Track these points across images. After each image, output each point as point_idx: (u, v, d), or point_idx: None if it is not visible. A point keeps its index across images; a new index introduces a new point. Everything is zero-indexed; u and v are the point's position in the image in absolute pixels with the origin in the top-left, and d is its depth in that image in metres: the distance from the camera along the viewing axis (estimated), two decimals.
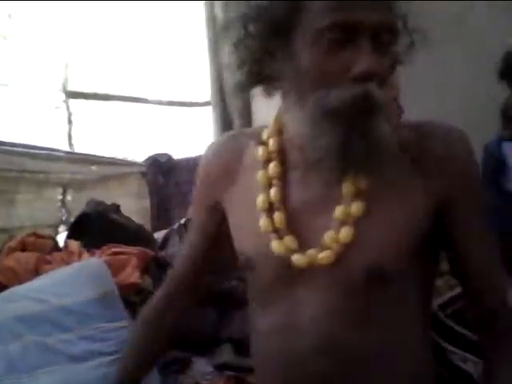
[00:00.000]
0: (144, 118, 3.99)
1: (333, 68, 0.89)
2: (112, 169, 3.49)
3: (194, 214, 1.28)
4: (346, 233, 0.97)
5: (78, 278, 1.77)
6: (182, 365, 1.79)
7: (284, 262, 1.00)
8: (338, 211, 0.98)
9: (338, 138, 0.89)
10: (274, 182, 1.03)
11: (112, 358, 1.61)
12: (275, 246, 1.00)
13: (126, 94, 3.70)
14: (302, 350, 1.01)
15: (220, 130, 3.53)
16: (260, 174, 1.05)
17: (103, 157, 3.49)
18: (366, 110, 0.89)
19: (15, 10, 2.92)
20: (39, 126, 3.52)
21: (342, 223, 0.98)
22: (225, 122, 3.56)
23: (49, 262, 2.06)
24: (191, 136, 4.12)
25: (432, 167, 0.98)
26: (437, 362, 1.52)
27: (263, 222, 1.02)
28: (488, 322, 1.04)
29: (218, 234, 1.17)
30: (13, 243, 2.17)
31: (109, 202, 2.63)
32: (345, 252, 0.97)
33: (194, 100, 4.10)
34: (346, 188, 0.97)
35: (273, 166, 1.03)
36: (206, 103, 3.64)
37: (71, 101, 3.78)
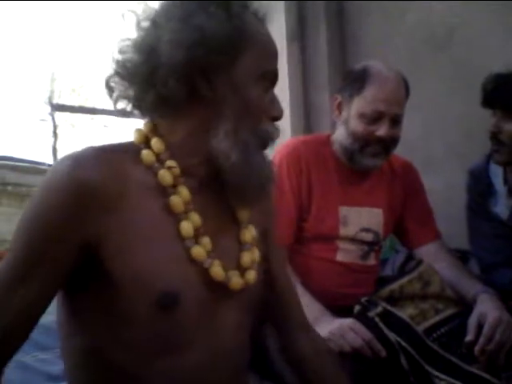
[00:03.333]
0: (131, 132, 3.97)
1: (265, 106, 1.07)
2: None
3: (38, 248, 0.94)
4: (257, 253, 1.13)
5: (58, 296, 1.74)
6: None
7: (213, 289, 1.04)
8: (247, 235, 1.13)
9: (267, 167, 1.08)
10: (190, 206, 1.04)
11: None
12: (216, 272, 1.03)
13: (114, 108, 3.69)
14: (228, 372, 1.08)
15: None
16: (175, 200, 1.02)
17: None
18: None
19: (1, 22, 2.90)
20: (24, 139, 3.50)
21: (251, 245, 1.13)
22: None
23: None
24: None
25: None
26: None
27: (196, 250, 1.02)
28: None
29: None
30: None
31: None
32: (258, 271, 1.12)
33: None
34: (244, 213, 1.14)
35: (184, 191, 1.03)
36: None
37: (57, 114, 3.76)
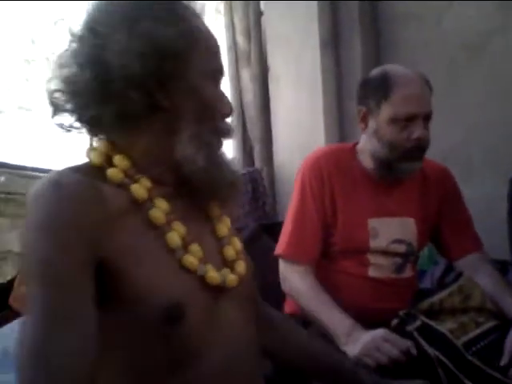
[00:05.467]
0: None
1: (219, 103, 1.07)
2: None
3: (70, 277, 0.88)
4: (237, 242, 1.14)
5: None
6: None
7: (211, 293, 1.03)
8: (224, 229, 1.12)
9: (231, 164, 1.10)
10: (172, 216, 1.02)
11: None
12: (212, 277, 1.02)
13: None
14: (245, 372, 1.06)
15: (240, 156, 3.51)
16: (155, 214, 0.99)
17: None
18: None
19: (39, 35, 2.94)
20: (61, 151, 3.53)
21: (229, 237, 1.13)
22: (245, 148, 3.54)
23: None
24: None
25: None
26: None
27: (187, 259, 1.00)
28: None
29: None
30: None
31: None
32: (245, 259, 1.15)
33: None
34: (215, 208, 1.13)
35: (161, 202, 1.01)
36: None
37: None
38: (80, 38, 0.99)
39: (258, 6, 3.44)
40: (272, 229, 2.05)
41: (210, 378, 0.99)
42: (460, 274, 1.76)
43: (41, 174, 2.93)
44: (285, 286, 1.82)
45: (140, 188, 0.99)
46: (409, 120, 1.73)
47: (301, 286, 1.77)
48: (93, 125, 1.02)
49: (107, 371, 0.95)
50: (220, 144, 1.08)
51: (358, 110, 1.87)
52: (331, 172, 1.84)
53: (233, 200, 1.14)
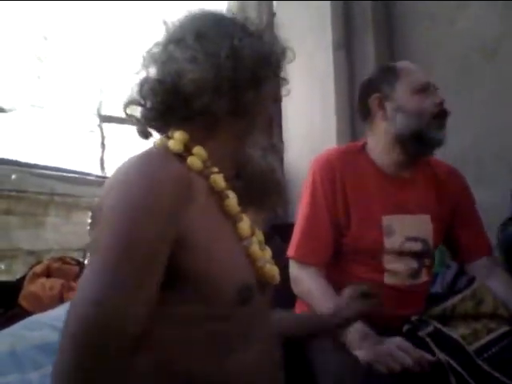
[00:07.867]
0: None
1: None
2: None
3: (150, 248, 0.90)
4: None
5: None
6: None
7: (261, 285, 1.08)
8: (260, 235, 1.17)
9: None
10: (238, 208, 1.09)
11: None
12: (270, 269, 1.10)
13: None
14: (275, 369, 1.10)
15: None
16: (231, 202, 1.07)
17: None
18: None
19: (51, 32, 2.93)
20: (72, 150, 3.53)
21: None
22: None
23: (73, 289, 2.04)
24: None
25: None
26: None
27: (254, 248, 1.08)
28: None
29: None
30: (38, 268, 2.17)
31: None
32: None
33: None
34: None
35: (232, 193, 1.08)
36: None
37: (105, 125, 3.79)
38: (198, 38, 1.07)
39: (271, 6, 3.43)
40: (283, 230, 2.03)
41: (249, 367, 1.02)
42: (472, 279, 1.74)
43: (52, 173, 2.94)
44: (296, 288, 1.81)
45: (219, 178, 1.06)
46: (425, 89, 1.80)
47: (312, 287, 1.75)
48: (169, 118, 1.10)
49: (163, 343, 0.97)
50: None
51: (372, 99, 1.85)
52: (343, 171, 1.82)
53: (272, 210, 1.28)
